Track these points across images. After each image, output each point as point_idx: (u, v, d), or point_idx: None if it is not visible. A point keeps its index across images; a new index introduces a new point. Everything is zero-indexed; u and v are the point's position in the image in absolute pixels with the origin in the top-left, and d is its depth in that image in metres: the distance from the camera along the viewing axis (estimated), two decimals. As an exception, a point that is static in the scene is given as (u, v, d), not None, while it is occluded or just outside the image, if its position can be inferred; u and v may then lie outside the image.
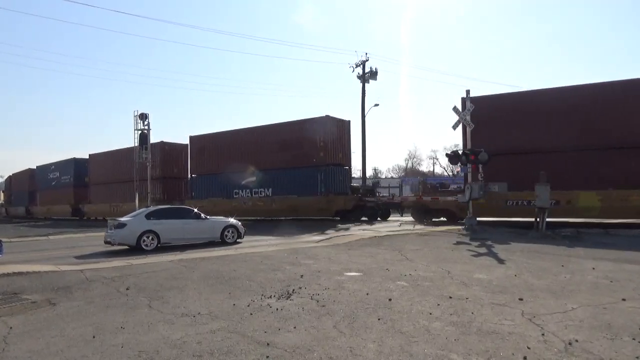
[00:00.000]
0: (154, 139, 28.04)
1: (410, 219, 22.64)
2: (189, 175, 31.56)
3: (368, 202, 24.67)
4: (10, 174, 56.66)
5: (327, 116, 24.96)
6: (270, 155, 26.12)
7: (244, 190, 27.32)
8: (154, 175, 28.96)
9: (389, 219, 24.96)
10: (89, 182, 38.67)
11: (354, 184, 29.43)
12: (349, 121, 26.64)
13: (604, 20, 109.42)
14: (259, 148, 26.81)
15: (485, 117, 17.80)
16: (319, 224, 22.25)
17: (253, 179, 26.66)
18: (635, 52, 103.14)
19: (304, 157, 24.78)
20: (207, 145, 29.81)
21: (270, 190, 26.21)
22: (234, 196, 27.74)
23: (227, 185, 28.02)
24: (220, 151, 28.90)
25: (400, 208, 24.69)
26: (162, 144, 32.01)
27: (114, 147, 46.74)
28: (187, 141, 31.56)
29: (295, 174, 25.09)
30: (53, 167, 43.57)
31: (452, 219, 20.19)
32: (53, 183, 42.90)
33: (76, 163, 40.58)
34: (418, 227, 18.52)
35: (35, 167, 47.90)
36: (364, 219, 24.21)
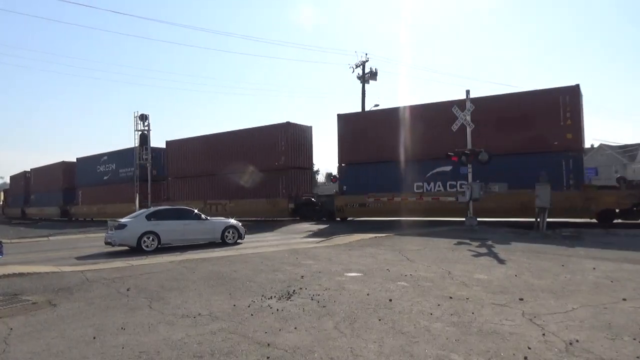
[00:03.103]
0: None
1: None
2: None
3: None
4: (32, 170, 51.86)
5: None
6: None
7: (430, 183, 20.95)
8: (278, 164, 25.94)
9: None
10: (168, 174, 32.70)
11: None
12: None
13: (604, 21, 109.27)
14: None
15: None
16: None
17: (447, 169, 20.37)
18: (636, 52, 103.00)
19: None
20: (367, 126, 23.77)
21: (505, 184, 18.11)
22: (415, 190, 21.25)
23: (401, 175, 21.42)
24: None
25: None
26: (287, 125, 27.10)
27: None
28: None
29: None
30: (105, 157, 37.29)
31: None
32: (105, 177, 36.63)
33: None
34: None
35: (75, 160, 41.86)
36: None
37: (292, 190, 25.68)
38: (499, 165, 17.49)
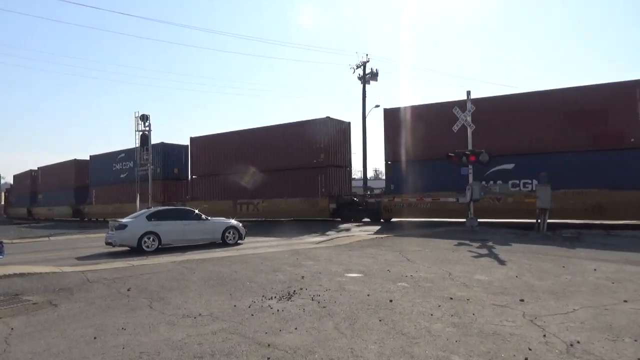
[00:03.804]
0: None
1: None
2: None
3: None
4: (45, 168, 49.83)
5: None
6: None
7: (489, 182, 19.15)
8: (317, 162, 24.64)
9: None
10: (192, 173, 31.44)
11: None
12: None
13: (605, 21, 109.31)
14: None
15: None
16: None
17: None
18: (636, 52, 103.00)
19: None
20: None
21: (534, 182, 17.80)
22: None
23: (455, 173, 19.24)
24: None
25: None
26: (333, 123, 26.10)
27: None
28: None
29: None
30: (122, 155, 35.42)
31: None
32: (122, 176, 34.93)
33: (164, 149, 32.88)
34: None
35: (88, 157, 40.08)
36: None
37: (332, 189, 24.32)
38: (566, 164, 16.97)
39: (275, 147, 26.11)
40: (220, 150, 29.05)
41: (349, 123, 26.39)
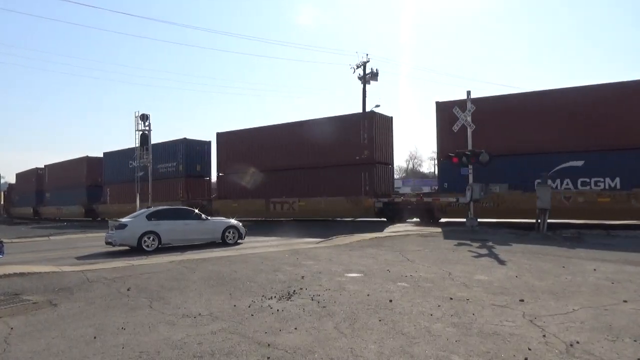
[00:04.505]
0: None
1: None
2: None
3: None
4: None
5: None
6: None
7: (556, 180, 17.73)
8: (360, 158, 23.53)
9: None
10: (219, 170, 29.59)
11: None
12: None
13: (605, 21, 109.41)
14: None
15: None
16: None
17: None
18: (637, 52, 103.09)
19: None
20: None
21: (617, 180, 16.96)
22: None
23: (517, 171, 18.18)
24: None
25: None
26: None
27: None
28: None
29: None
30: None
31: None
32: (141, 173, 32.58)
33: (188, 145, 31.07)
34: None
35: (102, 154, 38.50)
36: None
37: (376, 187, 22.85)
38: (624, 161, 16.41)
39: (312, 142, 24.50)
40: (250, 146, 27.50)
41: (391, 118, 24.93)
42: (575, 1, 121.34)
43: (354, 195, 23.01)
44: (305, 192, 24.82)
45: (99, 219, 36.81)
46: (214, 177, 32.04)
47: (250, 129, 28.49)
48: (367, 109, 33.18)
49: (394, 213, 22.42)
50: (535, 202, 15.21)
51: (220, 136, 29.49)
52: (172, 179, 31.23)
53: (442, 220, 20.84)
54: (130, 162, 34.10)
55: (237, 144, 28.37)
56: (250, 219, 26.37)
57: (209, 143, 31.49)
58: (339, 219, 24.62)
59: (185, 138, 31.28)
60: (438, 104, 20.90)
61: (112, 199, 35.93)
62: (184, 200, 28.73)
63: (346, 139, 23.45)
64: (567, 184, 17.60)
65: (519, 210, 17.95)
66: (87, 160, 39.42)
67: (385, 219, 22.50)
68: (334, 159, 23.80)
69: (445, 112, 20.14)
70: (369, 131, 22.86)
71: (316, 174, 24.54)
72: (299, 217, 25.41)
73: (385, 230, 17.98)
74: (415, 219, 21.97)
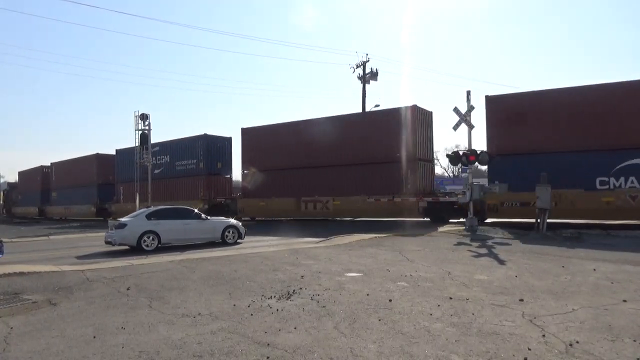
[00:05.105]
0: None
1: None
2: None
3: None
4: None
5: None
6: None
7: (619, 178, 16.72)
8: (400, 155, 22.18)
9: None
10: (243, 166, 27.96)
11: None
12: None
13: (605, 21, 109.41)
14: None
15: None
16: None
17: None
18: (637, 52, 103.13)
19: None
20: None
21: None
22: (598, 187, 17.03)
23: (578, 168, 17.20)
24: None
25: None
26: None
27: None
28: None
29: None
30: (157, 148, 31.10)
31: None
32: (157, 171, 31.04)
33: (208, 142, 29.45)
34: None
35: (114, 152, 36.51)
36: None
37: (419, 185, 21.49)
38: None
39: (348, 138, 23.33)
40: (278, 142, 25.97)
41: (431, 112, 23.65)
42: (576, 2, 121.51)
43: (395, 194, 21.50)
44: (341, 191, 23.32)
45: (111, 218, 35.44)
46: (234, 175, 31.05)
47: (279, 124, 26.98)
48: (367, 109, 33.29)
49: (439, 213, 20.81)
50: (599, 203, 14.79)
51: (245, 132, 27.96)
52: (192, 177, 29.69)
53: (489, 220, 19.47)
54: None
55: (265, 140, 26.75)
56: (281, 218, 25.36)
57: (229, 139, 30.35)
58: (379, 219, 22.88)
59: (205, 134, 29.68)
60: (488, 98, 19.60)
61: (125, 198, 33.75)
62: (205, 200, 27.90)
63: (386, 134, 21.87)
64: (632, 182, 16.52)
65: (581, 211, 17.12)
66: (98, 158, 37.66)
67: (429, 219, 20.98)
68: (373, 155, 22.28)
69: (497, 105, 19.12)
70: (412, 125, 21.30)
71: (353, 171, 23.06)
72: (334, 216, 24.36)
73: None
74: (462, 219, 19.64)
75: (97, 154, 38.16)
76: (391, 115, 22.40)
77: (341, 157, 23.44)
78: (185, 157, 30.32)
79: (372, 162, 22.31)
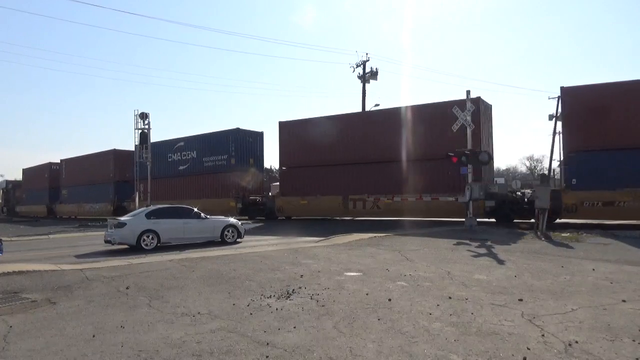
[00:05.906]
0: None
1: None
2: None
3: None
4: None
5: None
6: None
7: None
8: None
9: None
10: (281, 162, 26.60)
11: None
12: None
13: (606, 21, 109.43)
14: None
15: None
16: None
17: None
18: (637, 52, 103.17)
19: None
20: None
21: None
22: None
23: None
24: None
25: None
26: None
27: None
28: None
29: None
30: (182, 144, 30.40)
31: None
32: (181, 168, 30.34)
33: (239, 136, 28.35)
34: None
35: (133, 148, 34.18)
36: None
37: (488, 185, 19.73)
38: None
39: (401, 133, 21.90)
40: (321, 137, 24.44)
41: (491, 106, 21.92)
42: (576, 2, 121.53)
43: (456, 192, 19.55)
44: (393, 189, 21.70)
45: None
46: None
47: (323, 117, 25.58)
48: (367, 108, 33.28)
49: (506, 213, 19.24)
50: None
51: (283, 125, 26.50)
52: (222, 173, 28.19)
53: (558, 221, 18.11)
54: (169, 155, 31.39)
55: (306, 134, 25.17)
56: (325, 217, 24.47)
57: (261, 134, 29.36)
58: (438, 218, 21.17)
59: (238, 128, 28.52)
60: (564, 90, 18.39)
61: (146, 196, 32.17)
62: (237, 198, 27.08)
63: (446, 128, 19.49)
64: None
65: None
66: (115, 154, 35.89)
67: (494, 220, 19.45)
68: (430, 152, 20.52)
69: (572, 98, 17.96)
70: (475, 119, 18.71)
71: (407, 168, 21.61)
72: (385, 216, 22.58)
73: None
74: (532, 220, 17.46)
75: (115, 150, 36.53)
76: (451, 108, 19.19)
77: (392, 153, 21.92)
78: (215, 152, 28.84)
79: (429, 159, 20.62)
